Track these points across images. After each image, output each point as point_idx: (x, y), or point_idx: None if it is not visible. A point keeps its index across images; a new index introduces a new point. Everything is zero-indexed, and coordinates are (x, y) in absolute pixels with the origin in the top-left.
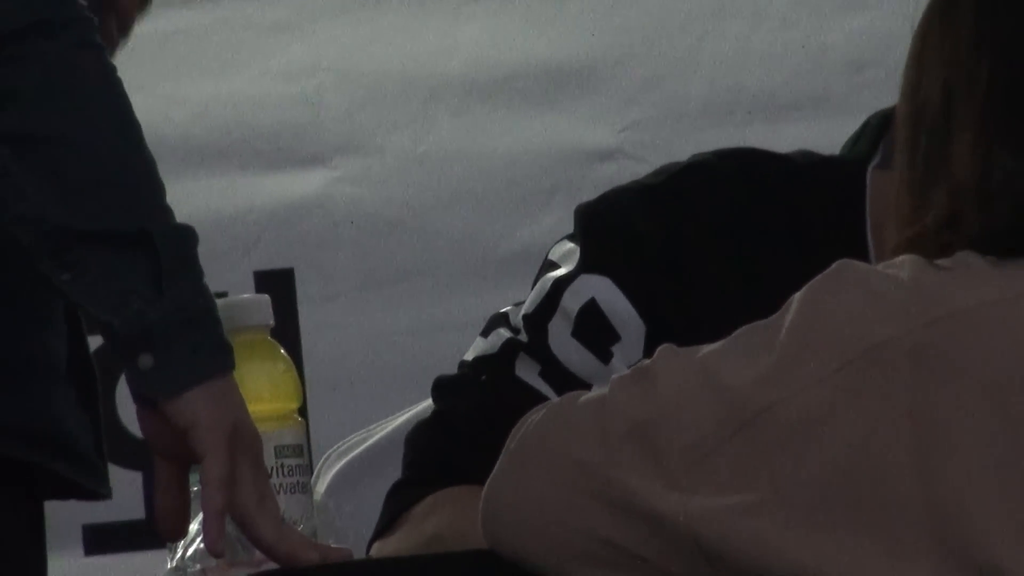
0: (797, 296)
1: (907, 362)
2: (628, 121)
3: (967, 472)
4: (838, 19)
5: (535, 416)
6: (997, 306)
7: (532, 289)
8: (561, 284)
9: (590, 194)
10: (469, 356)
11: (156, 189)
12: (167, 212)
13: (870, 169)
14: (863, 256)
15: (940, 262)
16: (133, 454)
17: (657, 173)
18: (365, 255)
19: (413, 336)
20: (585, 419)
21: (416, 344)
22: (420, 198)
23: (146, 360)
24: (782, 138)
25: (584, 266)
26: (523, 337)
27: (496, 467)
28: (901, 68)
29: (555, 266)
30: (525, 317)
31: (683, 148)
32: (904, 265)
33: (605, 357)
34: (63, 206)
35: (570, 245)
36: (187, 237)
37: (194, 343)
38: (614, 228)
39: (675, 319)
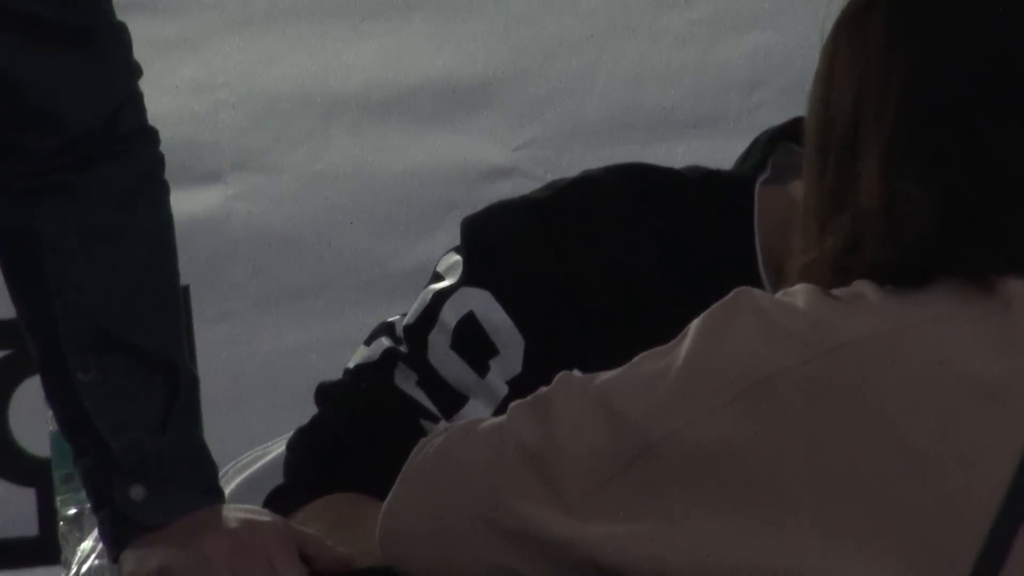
0: (693, 324)
1: (801, 393)
2: (524, 139)
3: (858, 503)
4: (734, 38)
5: (433, 441)
6: (892, 336)
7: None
8: (441, 296)
9: None
10: (351, 363)
11: (183, 325)
12: (186, 350)
13: (759, 184)
14: (752, 270)
15: (837, 292)
16: (27, 471)
17: (545, 188)
18: (261, 272)
19: (309, 353)
20: (482, 445)
21: (312, 361)
22: (316, 216)
23: (137, 491)
24: (678, 156)
25: (465, 279)
26: (403, 348)
27: (393, 489)
28: (796, 87)
29: (440, 278)
30: (406, 328)
31: (579, 166)
32: (799, 294)
33: (482, 371)
34: (111, 308)
35: (456, 257)
36: (196, 383)
37: (186, 483)
38: (496, 242)
39: (556, 334)
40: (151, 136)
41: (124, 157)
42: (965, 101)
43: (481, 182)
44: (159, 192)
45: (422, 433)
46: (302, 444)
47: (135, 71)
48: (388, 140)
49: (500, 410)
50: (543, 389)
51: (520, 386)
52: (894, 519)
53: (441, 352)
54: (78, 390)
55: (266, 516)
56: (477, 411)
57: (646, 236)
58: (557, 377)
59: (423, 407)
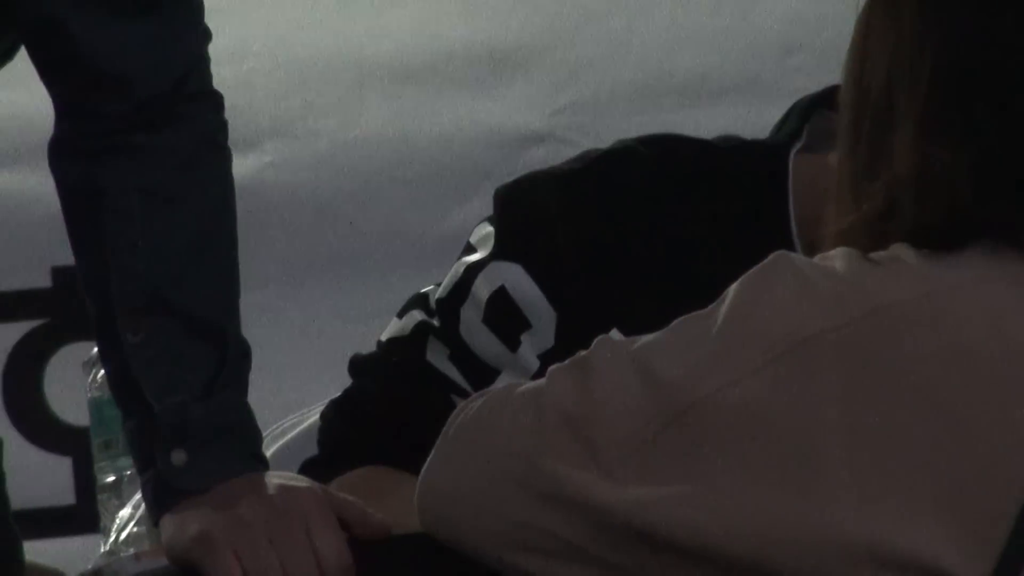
0: (732, 288)
1: (840, 356)
2: (559, 105)
3: (896, 466)
4: (768, 2)
5: (473, 404)
6: (928, 300)
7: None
8: (473, 270)
9: None
10: (384, 336)
11: (237, 292)
12: (239, 318)
13: (793, 153)
14: (787, 239)
15: (874, 255)
16: (63, 440)
17: (578, 159)
18: (295, 240)
19: (345, 321)
20: (521, 410)
21: (348, 329)
22: (351, 183)
23: (179, 456)
24: (713, 122)
25: (497, 252)
26: (435, 321)
27: (432, 454)
28: (831, 52)
29: (472, 249)
30: (438, 301)
31: (614, 132)
32: (837, 258)
33: (513, 345)
34: (165, 271)
35: (488, 228)
36: (248, 352)
37: (228, 449)
38: (528, 214)
39: (589, 308)
40: (216, 101)
41: (188, 120)
42: (996, 68)
43: (516, 148)
44: (220, 158)
45: (452, 408)
46: (335, 416)
47: (204, 35)
48: (422, 106)
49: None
50: (582, 352)
51: (552, 360)
52: (932, 483)
53: (473, 326)
54: (127, 351)
55: (304, 482)
56: None
57: (680, 208)
58: (596, 340)
59: (454, 383)
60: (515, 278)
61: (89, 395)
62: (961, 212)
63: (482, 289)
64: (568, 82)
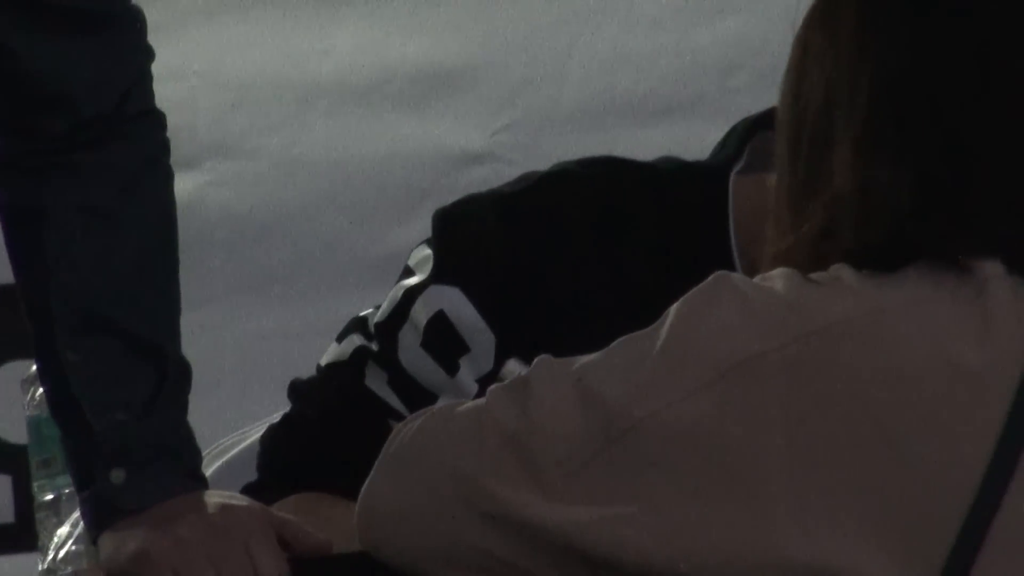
0: (673, 308)
1: (779, 377)
2: (500, 125)
3: (837, 487)
4: (709, 23)
5: (413, 423)
6: (867, 320)
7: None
8: (412, 293)
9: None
10: (323, 361)
11: (178, 311)
12: (179, 338)
13: (733, 174)
14: (727, 260)
15: (813, 276)
16: (2, 458)
17: (517, 181)
18: (236, 258)
19: (284, 338)
20: (462, 429)
21: (287, 346)
22: (292, 202)
23: (118, 475)
24: (654, 142)
25: (435, 276)
26: (374, 345)
27: (373, 472)
28: (771, 72)
29: (410, 272)
30: (377, 325)
31: (555, 152)
32: (777, 278)
33: (452, 369)
34: (105, 290)
35: (427, 251)
36: (188, 371)
37: (168, 468)
38: (466, 238)
39: (527, 331)
40: (159, 119)
41: (130, 139)
42: (935, 85)
43: (457, 168)
44: (163, 177)
45: (389, 433)
46: (274, 441)
47: (147, 54)
48: (363, 126)
49: None
50: (521, 372)
51: (490, 383)
52: (874, 503)
53: (412, 350)
54: (66, 369)
55: (244, 501)
56: None
57: (619, 232)
58: (536, 360)
59: (392, 408)
60: (453, 302)
61: (28, 413)
62: (901, 231)
63: (421, 313)
64: (509, 102)
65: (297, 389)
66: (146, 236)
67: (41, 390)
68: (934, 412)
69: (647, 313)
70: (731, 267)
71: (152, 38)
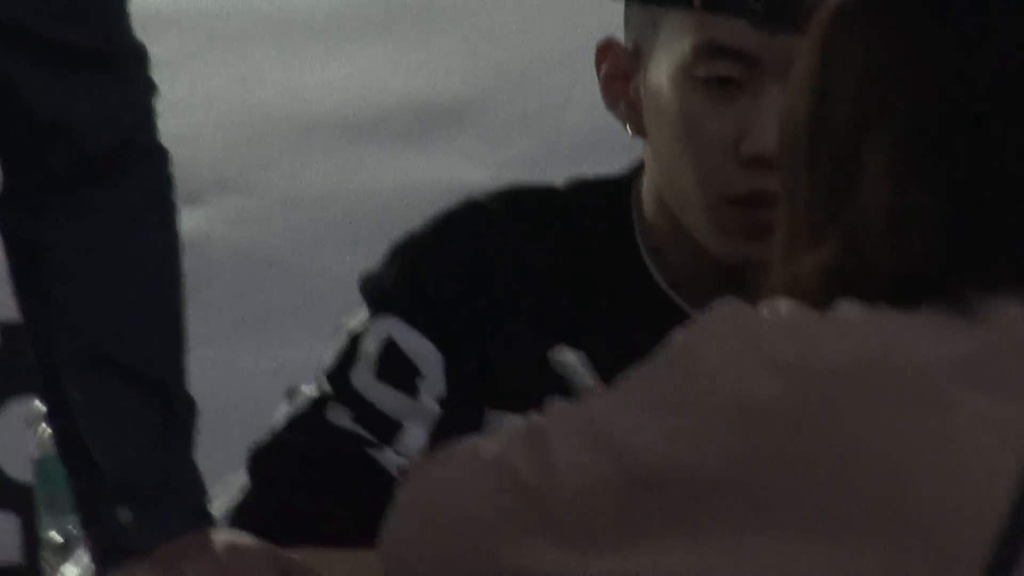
0: (679, 343)
1: (789, 419)
2: (504, 158)
3: (859, 523)
4: None
5: (428, 469)
6: (876, 362)
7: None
8: (356, 334)
9: None
10: (278, 423)
11: (184, 348)
12: (185, 375)
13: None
14: (641, 268)
15: (822, 313)
16: (9, 497)
17: (435, 216)
18: (239, 294)
19: (288, 374)
20: (481, 478)
21: (290, 382)
22: (294, 236)
23: (125, 514)
24: None
25: (372, 312)
26: (329, 391)
27: (391, 521)
28: None
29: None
30: (328, 376)
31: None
32: (786, 314)
33: (412, 392)
34: (109, 327)
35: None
36: (194, 408)
37: (174, 506)
38: (392, 272)
39: (468, 351)
40: (163, 155)
41: (135, 175)
42: (975, 105)
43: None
44: (167, 213)
45: (372, 463)
46: (250, 520)
47: (152, 89)
48: (366, 161)
49: (436, 431)
50: (537, 418)
51: (448, 405)
52: (891, 539)
53: (369, 385)
54: (72, 408)
55: (252, 541)
56: (415, 436)
57: (531, 253)
58: (549, 407)
59: (365, 438)
60: (398, 328)
61: (34, 452)
62: (930, 257)
63: (371, 347)
64: (513, 135)
65: (259, 455)
66: (151, 273)
67: (47, 428)
68: (949, 459)
69: (574, 322)
70: (643, 269)
71: (156, 73)
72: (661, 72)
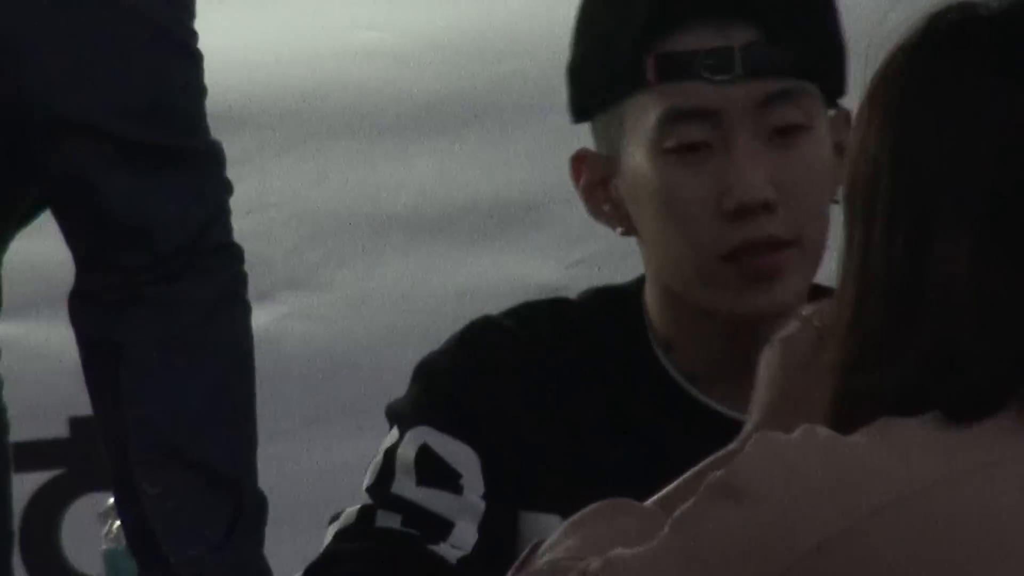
0: (756, 462)
1: (852, 560)
2: (575, 258)
3: None
4: None
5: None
6: (947, 486)
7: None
8: (391, 450)
9: None
10: (327, 542)
11: (254, 446)
12: (255, 470)
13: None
14: (656, 366)
15: (889, 434)
16: None
17: (452, 336)
18: (312, 391)
19: (360, 471)
20: None
21: (360, 477)
22: (368, 335)
23: None
24: None
25: (403, 427)
26: (373, 503)
27: None
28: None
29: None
30: (369, 490)
31: None
32: (854, 437)
33: (457, 490)
34: (182, 423)
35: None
36: (264, 504)
37: None
38: (417, 388)
39: (501, 453)
40: (236, 253)
41: (208, 273)
42: None
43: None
44: (240, 310)
45: (428, 552)
46: None
47: (226, 187)
48: (439, 258)
49: (483, 527)
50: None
51: (493, 505)
52: None
53: (413, 492)
54: (143, 502)
55: None
56: (467, 532)
57: (550, 358)
58: (608, 562)
59: (419, 537)
60: (431, 436)
61: (104, 546)
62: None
63: (407, 456)
64: (584, 235)
65: (312, 569)
66: (224, 369)
67: (118, 522)
68: None
69: (598, 427)
70: (658, 366)
71: (230, 171)
72: (634, 157)
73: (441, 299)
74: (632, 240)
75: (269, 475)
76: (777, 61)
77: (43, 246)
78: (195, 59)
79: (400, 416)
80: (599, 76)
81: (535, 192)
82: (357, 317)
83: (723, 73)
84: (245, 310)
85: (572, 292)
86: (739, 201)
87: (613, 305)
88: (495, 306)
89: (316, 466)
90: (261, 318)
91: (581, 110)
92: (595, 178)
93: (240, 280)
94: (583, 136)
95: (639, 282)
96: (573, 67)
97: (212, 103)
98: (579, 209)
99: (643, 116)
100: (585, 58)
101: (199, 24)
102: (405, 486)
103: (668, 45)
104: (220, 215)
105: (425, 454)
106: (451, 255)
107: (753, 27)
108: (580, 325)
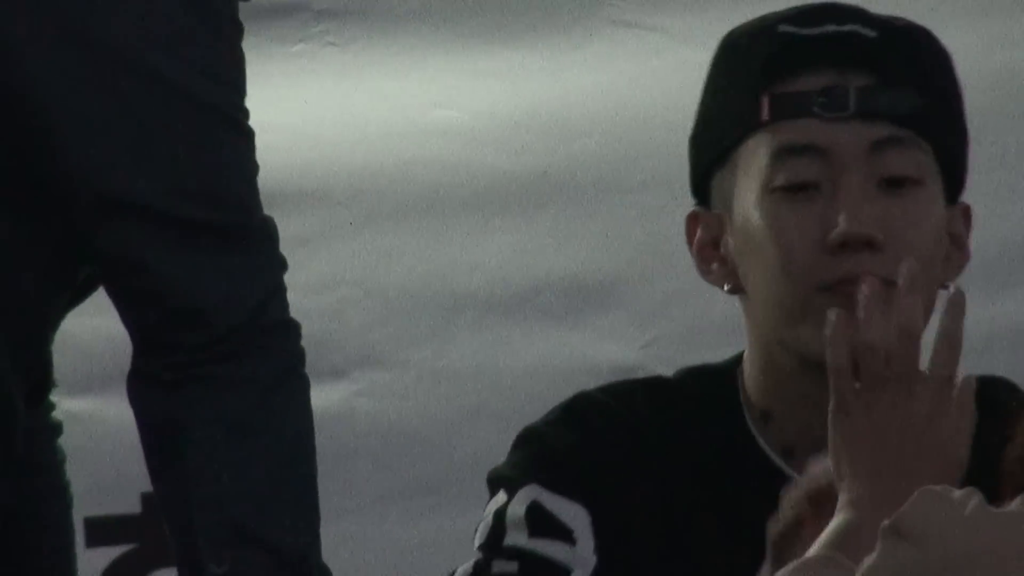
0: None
1: None
2: (650, 337)
3: None
4: None
5: None
6: None
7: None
8: (500, 510)
9: None
10: None
11: (317, 521)
12: (319, 547)
13: (741, 367)
14: (751, 442)
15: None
16: None
17: (550, 410)
18: (384, 468)
19: (432, 551)
20: None
21: (437, 558)
22: (440, 413)
23: None
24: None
25: (510, 488)
26: (487, 557)
27: None
28: None
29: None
30: (481, 547)
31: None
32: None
33: (570, 540)
34: (247, 501)
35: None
36: None
37: None
38: (521, 454)
39: (609, 514)
40: (293, 330)
41: (266, 350)
42: None
43: (607, 380)
44: (299, 387)
45: None
46: None
47: (281, 265)
48: (512, 337)
49: None
50: None
51: (604, 561)
52: None
53: (528, 543)
54: None
55: None
56: None
57: (645, 431)
58: None
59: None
60: (541, 494)
61: None
62: None
63: (517, 514)
64: (658, 315)
65: None
66: (285, 446)
67: None
68: None
69: (699, 502)
70: (753, 442)
71: (302, 250)
72: (745, 202)
73: (513, 378)
74: (707, 322)
75: (340, 552)
76: (891, 105)
77: (110, 321)
78: (245, 136)
79: (506, 479)
80: (717, 127)
81: (608, 272)
82: (429, 395)
83: (836, 111)
84: (304, 386)
85: (645, 373)
86: (844, 233)
87: (708, 382)
88: (567, 386)
89: (387, 544)
90: (333, 395)
91: (699, 176)
92: (707, 237)
93: (298, 356)
94: (658, 215)
95: (734, 360)
96: (694, 134)
97: (284, 182)
98: (652, 289)
99: (755, 157)
100: (704, 117)
101: (275, 102)
102: (518, 539)
103: (785, 87)
104: (276, 292)
105: (536, 510)
106: (524, 334)
107: (870, 72)
108: (675, 402)
